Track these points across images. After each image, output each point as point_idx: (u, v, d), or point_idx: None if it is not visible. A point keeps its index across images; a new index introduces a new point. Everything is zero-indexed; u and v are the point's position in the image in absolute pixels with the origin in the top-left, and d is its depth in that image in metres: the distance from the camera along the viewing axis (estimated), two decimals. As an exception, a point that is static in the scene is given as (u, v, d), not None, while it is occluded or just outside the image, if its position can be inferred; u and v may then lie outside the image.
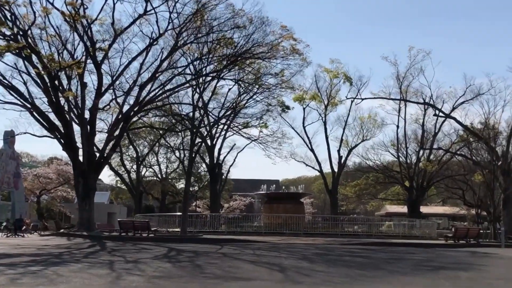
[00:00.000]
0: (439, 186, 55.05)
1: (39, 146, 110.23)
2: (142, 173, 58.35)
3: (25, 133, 29.47)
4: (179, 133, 44.61)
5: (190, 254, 16.00)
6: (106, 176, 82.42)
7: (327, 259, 15.38)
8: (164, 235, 27.46)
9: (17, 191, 40.37)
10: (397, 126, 50.30)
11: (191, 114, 30.43)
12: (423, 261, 15.89)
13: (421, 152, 49.89)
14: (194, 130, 29.47)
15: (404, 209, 54.48)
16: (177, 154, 54.59)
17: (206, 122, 35.87)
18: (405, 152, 50.91)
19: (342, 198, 57.24)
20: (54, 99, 27.51)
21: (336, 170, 50.63)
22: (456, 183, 51.36)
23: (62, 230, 30.09)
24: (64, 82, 29.51)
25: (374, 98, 47.40)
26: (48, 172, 47.60)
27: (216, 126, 42.38)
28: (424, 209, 55.11)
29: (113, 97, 31.17)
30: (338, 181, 51.21)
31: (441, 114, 44.20)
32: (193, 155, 30.15)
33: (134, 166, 54.65)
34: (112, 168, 51.49)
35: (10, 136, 36.95)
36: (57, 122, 29.05)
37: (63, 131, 28.36)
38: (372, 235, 29.95)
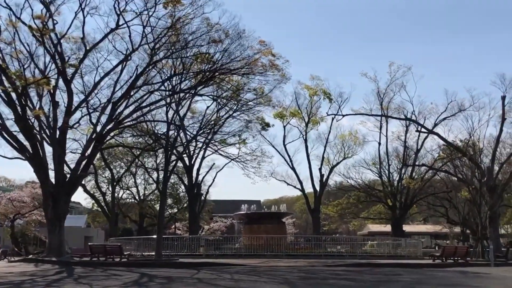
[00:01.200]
0: (421, 204, 54.28)
1: (16, 170, 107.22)
2: (119, 195, 56.83)
3: (-5, 155, 28.24)
4: (156, 154, 43.38)
5: (162, 281, 14.76)
6: (82, 199, 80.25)
7: (310, 283, 14.26)
8: (138, 259, 26.00)
9: (-13, 216, 38.50)
10: (379, 143, 49.67)
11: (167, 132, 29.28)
12: (413, 283, 14.85)
13: (403, 169, 48.89)
14: (169, 148, 28.24)
15: (386, 228, 53.65)
16: (154, 175, 53.13)
17: (183, 140, 34.65)
18: (387, 170, 50.07)
19: (324, 218, 56.38)
20: (20, 118, 26.09)
21: (318, 188, 49.64)
22: (439, 200, 50.68)
23: (30, 256, 28.41)
24: (35, 100, 28.39)
25: (355, 114, 46.58)
26: (22, 196, 45.64)
27: (194, 144, 41.35)
28: (406, 228, 54.49)
29: (86, 114, 29.80)
30: (320, 200, 50.13)
31: (423, 130, 43.08)
32: (168, 174, 28.90)
33: (111, 188, 52.65)
34: (86, 191, 49.55)
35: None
36: (26, 143, 27.67)
37: (31, 151, 26.93)
38: (356, 255, 28.87)
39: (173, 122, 29.02)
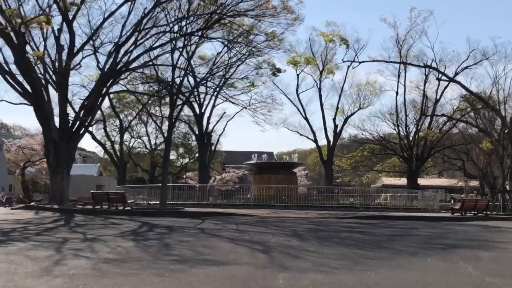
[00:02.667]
0: (437, 157, 52.98)
1: (33, 119, 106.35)
2: (131, 144, 56.32)
3: (0, 100, 27.42)
4: (164, 101, 42.36)
5: (162, 230, 13.86)
6: (94, 147, 79.89)
7: (321, 235, 13.26)
8: (142, 208, 25.32)
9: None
10: (396, 93, 47.86)
11: (176, 79, 28.05)
12: (432, 237, 13.75)
13: (421, 120, 47.56)
14: (174, 92, 26.96)
15: (400, 181, 52.23)
16: (166, 125, 52.17)
17: (192, 85, 33.57)
18: (404, 122, 48.33)
19: (338, 170, 55.45)
20: (20, 59, 24.86)
21: (331, 140, 48.43)
22: (456, 153, 49.30)
23: (32, 203, 27.78)
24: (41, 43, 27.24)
25: (372, 61, 44.72)
26: (32, 143, 45.16)
27: (204, 91, 40.36)
28: (421, 181, 52.86)
29: (88, 55, 28.44)
30: (333, 152, 49.12)
31: (444, 78, 41.32)
32: (174, 120, 27.71)
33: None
34: (94, 138, 48.55)
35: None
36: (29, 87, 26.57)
37: (33, 95, 25.83)
38: (370, 207, 27.77)
39: (179, 66, 27.76)
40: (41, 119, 26.10)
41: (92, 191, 26.59)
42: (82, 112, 27.06)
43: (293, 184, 32.79)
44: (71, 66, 26.64)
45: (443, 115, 45.42)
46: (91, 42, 27.79)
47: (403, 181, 50.32)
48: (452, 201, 39.94)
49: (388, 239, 12.94)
